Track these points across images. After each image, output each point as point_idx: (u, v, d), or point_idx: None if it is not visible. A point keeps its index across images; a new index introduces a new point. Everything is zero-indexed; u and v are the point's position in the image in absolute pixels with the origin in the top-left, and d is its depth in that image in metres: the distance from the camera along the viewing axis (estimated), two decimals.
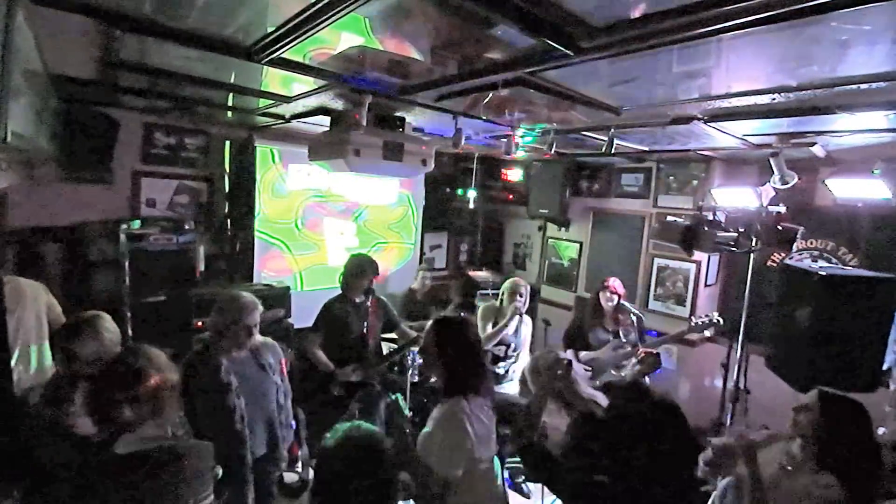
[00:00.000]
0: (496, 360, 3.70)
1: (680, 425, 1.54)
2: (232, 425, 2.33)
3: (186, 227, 3.86)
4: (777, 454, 1.95)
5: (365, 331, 3.35)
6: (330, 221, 4.99)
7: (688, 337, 3.99)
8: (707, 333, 4.03)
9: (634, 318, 3.70)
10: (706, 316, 3.69)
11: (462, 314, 2.65)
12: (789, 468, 1.87)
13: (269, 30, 1.80)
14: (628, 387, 1.79)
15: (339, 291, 3.49)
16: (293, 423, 2.80)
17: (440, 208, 6.10)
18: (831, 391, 1.92)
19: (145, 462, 1.43)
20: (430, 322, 2.20)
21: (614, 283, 3.80)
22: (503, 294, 3.76)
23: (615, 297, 3.74)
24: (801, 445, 1.84)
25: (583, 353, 3.69)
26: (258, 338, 2.55)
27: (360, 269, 3.43)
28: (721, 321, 3.67)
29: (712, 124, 2.69)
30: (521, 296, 3.69)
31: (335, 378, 3.29)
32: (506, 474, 2.52)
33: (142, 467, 1.42)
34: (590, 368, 3.57)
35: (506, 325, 3.59)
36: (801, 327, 2.69)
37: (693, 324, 3.70)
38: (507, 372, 3.75)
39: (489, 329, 3.65)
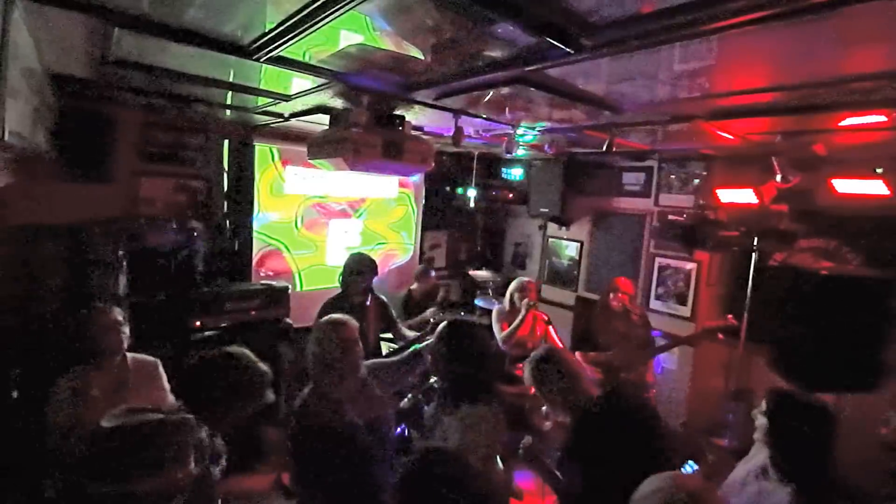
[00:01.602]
0: (514, 361, 3.69)
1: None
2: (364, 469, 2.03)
3: (185, 226, 3.85)
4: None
5: (364, 330, 3.34)
6: (331, 220, 4.98)
7: (688, 336, 3.98)
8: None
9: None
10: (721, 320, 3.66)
11: (473, 319, 2.62)
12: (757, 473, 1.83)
13: (268, 27, 1.79)
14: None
15: (339, 291, 3.48)
16: None
17: (440, 207, 6.08)
18: (786, 393, 1.86)
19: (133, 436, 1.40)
20: (443, 323, 2.17)
21: (624, 282, 3.78)
22: (512, 295, 3.75)
23: (626, 297, 3.73)
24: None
25: (592, 355, 3.67)
26: None
27: (358, 268, 3.42)
28: (735, 323, 3.61)
29: (714, 123, 2.67)
30: (528, 291, 3.69)
31: None
32: None
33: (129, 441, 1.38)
34: (600, 371, 3.55)
35: (521, 322, 3.58)
36: None
37: (707, 328, 3.68)
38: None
39: (504, 330, 3.64)
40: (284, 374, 3.77)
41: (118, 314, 2.41)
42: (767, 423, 1.78)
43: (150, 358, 2.53)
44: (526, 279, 3.81)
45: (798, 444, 1.70)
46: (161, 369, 2.53)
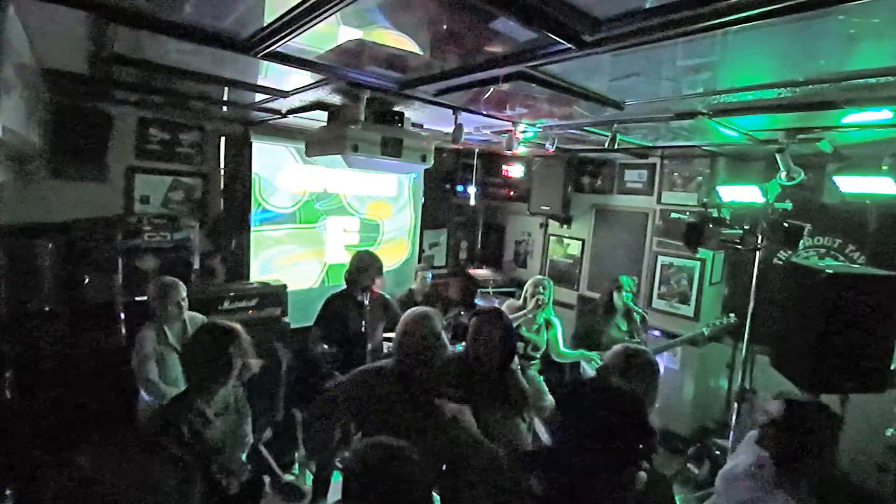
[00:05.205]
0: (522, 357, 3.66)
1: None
2: None
3: (181, 224, 3.82)
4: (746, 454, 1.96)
5: (363, 329, 3.32)
6: (329, 218, 4.95)
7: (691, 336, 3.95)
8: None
9: (638, 318, 3.66)
10: (722, 319, 3.66)
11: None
12: (754, 469, 1.87)
13: (266, 22, 1.76)
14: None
15: (341, 288, 3.47)
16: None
17: (440, 205, 6.06)
18: (798, 400, 1.91)
19: None
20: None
21: (628, 281, 3.78)
22: (526, 291, 3.75)
23: (629, 296, 3.71)
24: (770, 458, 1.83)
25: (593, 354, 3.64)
26: None
27: (362, 266, 3.41)
28: (737, 320, 3.61)
29: (717, 120, 2.64)
30: (543, 288, 3.67)
31: (334, 377, 3.25)
32: None
33: None
34: None
35: (527, 314, 3.56)
36: None
37: (711, 325, 3.66)
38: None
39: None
40: (282, 375, 3.76)
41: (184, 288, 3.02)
42: (787, 432, 1.78)
43: (200, 315, 3.11)
44: (541, 279, 3.81)
45: (808, 446, 1.75)
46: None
